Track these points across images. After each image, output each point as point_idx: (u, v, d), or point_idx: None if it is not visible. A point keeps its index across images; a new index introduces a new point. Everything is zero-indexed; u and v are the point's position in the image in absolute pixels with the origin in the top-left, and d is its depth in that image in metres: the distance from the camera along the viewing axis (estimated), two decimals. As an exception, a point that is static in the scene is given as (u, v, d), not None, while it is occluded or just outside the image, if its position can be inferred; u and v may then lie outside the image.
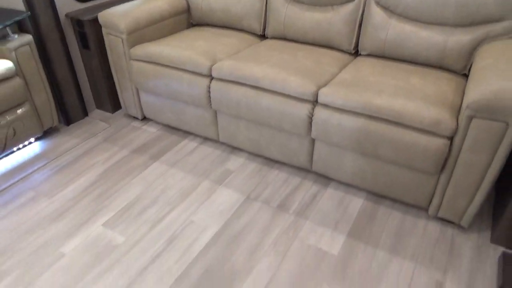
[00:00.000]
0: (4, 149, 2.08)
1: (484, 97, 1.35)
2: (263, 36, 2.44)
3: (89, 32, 2.32)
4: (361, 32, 2.07)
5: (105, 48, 2.42)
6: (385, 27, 1.95)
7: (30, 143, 2.32)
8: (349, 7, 2.05)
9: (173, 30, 2.44)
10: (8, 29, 2.07)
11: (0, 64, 1.96)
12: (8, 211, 1.84)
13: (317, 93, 1.75)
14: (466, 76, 1.88)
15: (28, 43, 2.08)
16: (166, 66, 2.14)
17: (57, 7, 2.26)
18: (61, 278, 1.52)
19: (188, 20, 2.56)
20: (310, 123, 1.80)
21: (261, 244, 1.65)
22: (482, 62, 1.60)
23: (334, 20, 2.08)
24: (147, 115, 2.47)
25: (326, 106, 1.74)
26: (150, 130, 2.45)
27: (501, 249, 1.62)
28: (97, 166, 2.14)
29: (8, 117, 2.05)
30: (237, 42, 2.27)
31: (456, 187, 1.58)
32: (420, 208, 1.83)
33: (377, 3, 1.98)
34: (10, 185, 2.00)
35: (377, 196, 1.91)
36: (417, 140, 1.55)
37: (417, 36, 1.88)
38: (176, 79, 2.10)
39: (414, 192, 1.72)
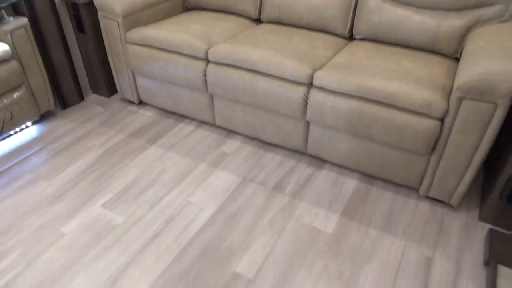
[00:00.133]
0: (1, 132, 2.10)
1: (474, 79, 1.39)
2: (258, 20, 2.45)
3: (85, 15, 2.32)
4: (355, 16, 2.09)
5: (100, 31, 2.42)
6: (378, 11, 1.98)
7: (27, 126, 2.34)
8: (344, -9, 2.07)
9: (168, 14, 2.45)
10: (3, 11, 2.06)
11: (-4, 47, 1.97)
12: (8, 193, 1.86)
13: (312, 76, 1.78)
14: (457, 60, 1.92)
15: (24, 26, 2.08)
16: (162, 50, 2.15)
17: (51, -10, 2.25)
18: (62, 257, 1.55)
19: (184, 4, 2.56)
20: (305, 105, 1.83)
21: (258, 224, 1.70)
22: (473, 45, 1.64)
23: (329, 4, 2.10)
24: (143, 99, 2.49)
25: (321, 89, 1.77)
26: (147, 114, 2.47)
27: (488, 226, 1.68)
28: (94, 150, 2.16)
29: (5, 100, 2.06)
30: (233, 26, 2.28)
31: (446, 167, 1.63)
32: (411, 188, 1.89)
33: (372, -13, 2.00)
34: (8, 168, 2.02)
35: (370, 177, 1.96)
36: (409, 122, 1.60)
37: (410, 20, 1.91)
38: (172, 62, 2.12)
39: (406, 172, 1.77)
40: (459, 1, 1.81)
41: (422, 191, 1.77)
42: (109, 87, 2.62)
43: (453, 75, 1.73)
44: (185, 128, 2.33)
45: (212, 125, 2.36)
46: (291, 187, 1.89)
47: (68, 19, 2.40)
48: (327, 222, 1.71)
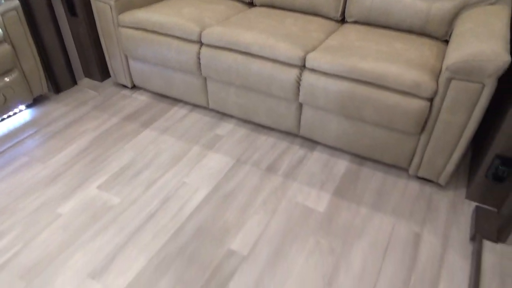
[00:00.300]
0: (-6, 116, 2.10)
1: (462, 59, 1.43)
2: (251, 4, 2.45)
3: (76, -1, 2.30)
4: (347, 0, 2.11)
5: (92, 15, 2.41)
6: (371, -6, 2.00)
7: (20, 110, 2.34)
8: (336, -26, 2.08)
9: (161, -3, 2.44)
10: (-7, -6, 2.04)
11: (-13, 29, 1.96)
12: (3, 175, 1.88)
13: (305, 58, 1.80)
14: (447, 42, 1.95)
15: (15, 8, 2.06)
16: (155, 33, 2.15)
17: (42, -28, 2.23)
18: (59, 237, 1.58)
19: (176, -13, 2.55)
20: (298, 87, 1.86)
21: (251, 203, 1.73)
22: (462, 27, 1.67)
23: (321, -13, 2.11)
24: (137, 83, 2.49)
25: (313, 70, 1.80)
26: (140, 98, 2.48)
27: (474, 204, 1.74)
28: (88, 133, 2.17)
29: (-2, 84, 2.06)
30: (226, 9, 2.28)
31: (435, 147, 1.68)
32: (401, 168, 1.93)
33: (364, -30, 2.01)
34: (2, 151, 2.03)
35: (361, 158, 2.00)
36: (399, 102, 1.63)
37: (401, 3, 1.93)
38: (165, 45, 2.12)
39: (396, 153, 1.81)
40: (449, -17, 1.84)
41: (411, 171, 1.82)
42: (102, 72, 2.61)
43: (442, 57, 1.77)
44: (178, 111, 2.35)
45: (205, 108, 2.38)
46: (284, 168, 1.93)
47: (59, 2, 2.38)
48: (319, 201, 1.75)
